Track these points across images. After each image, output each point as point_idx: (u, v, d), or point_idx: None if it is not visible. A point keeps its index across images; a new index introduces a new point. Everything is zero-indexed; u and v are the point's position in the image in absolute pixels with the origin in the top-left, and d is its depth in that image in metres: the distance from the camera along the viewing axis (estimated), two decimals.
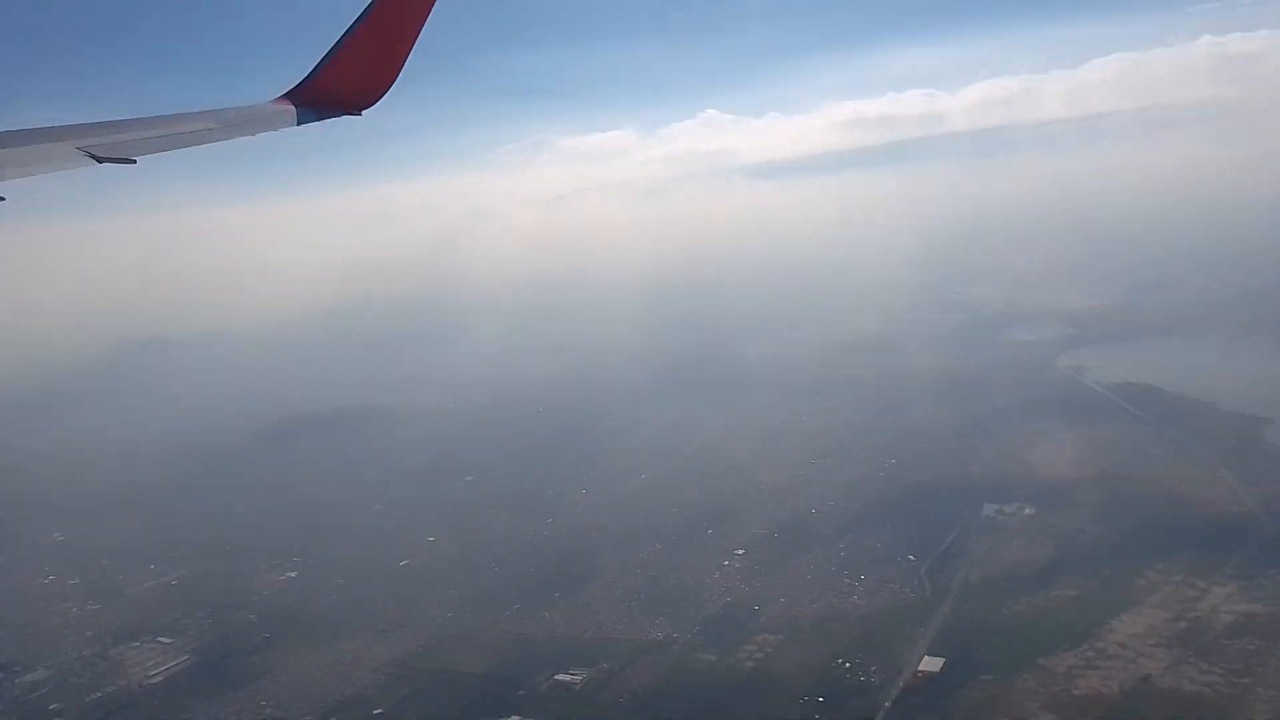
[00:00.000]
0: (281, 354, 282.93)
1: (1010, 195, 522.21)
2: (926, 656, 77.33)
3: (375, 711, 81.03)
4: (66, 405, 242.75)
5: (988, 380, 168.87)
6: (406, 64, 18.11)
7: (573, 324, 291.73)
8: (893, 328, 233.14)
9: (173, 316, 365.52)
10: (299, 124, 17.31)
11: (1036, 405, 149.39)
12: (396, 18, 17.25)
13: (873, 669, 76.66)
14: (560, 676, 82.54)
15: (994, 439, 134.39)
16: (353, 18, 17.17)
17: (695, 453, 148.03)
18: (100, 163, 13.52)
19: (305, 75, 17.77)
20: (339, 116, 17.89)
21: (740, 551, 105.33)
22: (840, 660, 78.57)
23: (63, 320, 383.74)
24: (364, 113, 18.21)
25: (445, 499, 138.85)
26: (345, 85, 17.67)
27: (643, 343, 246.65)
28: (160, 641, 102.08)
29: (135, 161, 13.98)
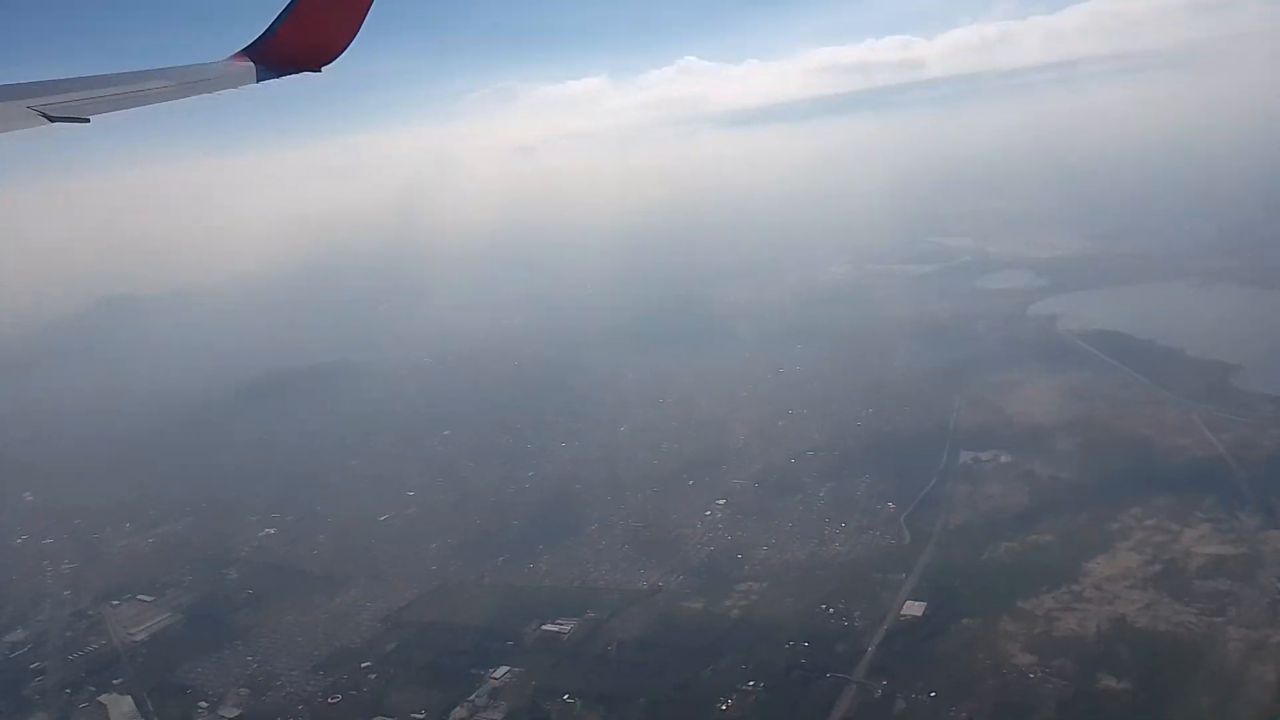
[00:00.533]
0: (254, 311, 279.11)
1: (984, 143, 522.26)
2: (908, 601, 78.61)
3: (363, 665, 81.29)
4: (36, 367, 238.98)
5: (961, 329, 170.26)
6: (369, 15, 17.60)
7: (546, 275, 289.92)
8: (866, 276, 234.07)
9: (141, 276, 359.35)
10: (258, 81, 16.95)
11: (1010, 353, 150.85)
12: None
13: (856, 614, 77.80)
14: (548, 627, 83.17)
15: (969, 387, 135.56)
16: None
17: (674, 404, 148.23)
18: (53, 122, 13.23)
19: (263, 32, 17.29)
20: (298, 73, 17.47)
21: (722, 501, 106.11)
22: (824, 606, 79.63)
23: (28, 282, 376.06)
24: (324, 69, 17.78)
25: (424, 453, 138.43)
26: (304, 42, 17.24)
27: (618, 293, 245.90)
28: (141, 600, 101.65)
29: (89, 121, 13.72)
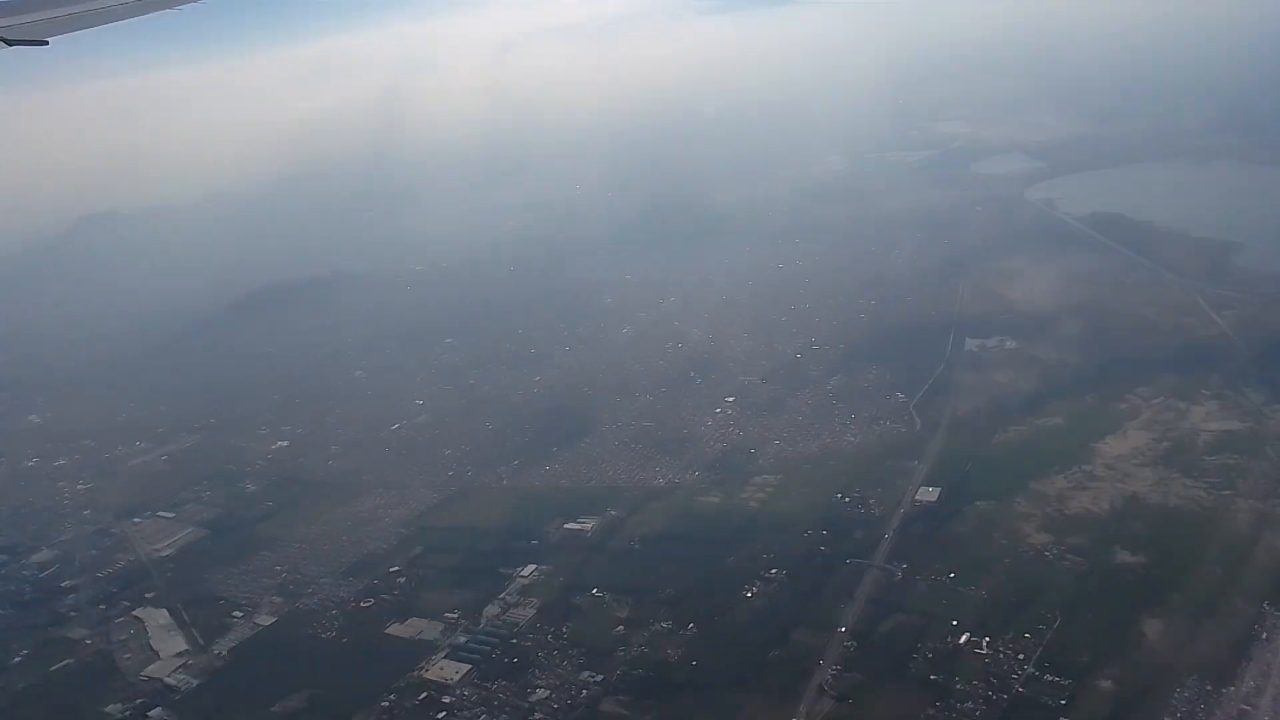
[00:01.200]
0: (239, 224, 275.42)
1: (974, 24, 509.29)
2: (923, 487, 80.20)
3: (392, 569, 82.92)
4: (23, 288, 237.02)
5: (960, 216, 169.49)
6: None
7: (535, 177, 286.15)
8: (862, 167, 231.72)
9: (120, 193, 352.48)
10: None
11: (1010, 239, 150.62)
12: None
13: (872, 502, 79.40)
14: (570, 526, 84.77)
15: (971, 275, 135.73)
16: None
17: (675, 305, 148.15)
18: (10, 45, 12.97)
19: None
20: None
21: (731, 399, 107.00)
22: (840, 495, 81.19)
23: (4, 203, 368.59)
24: None
25: (428, 362, 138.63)
26: None
27: (610, 193, 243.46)
28: (162, 516, 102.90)
29: (48, 43, 13.44)
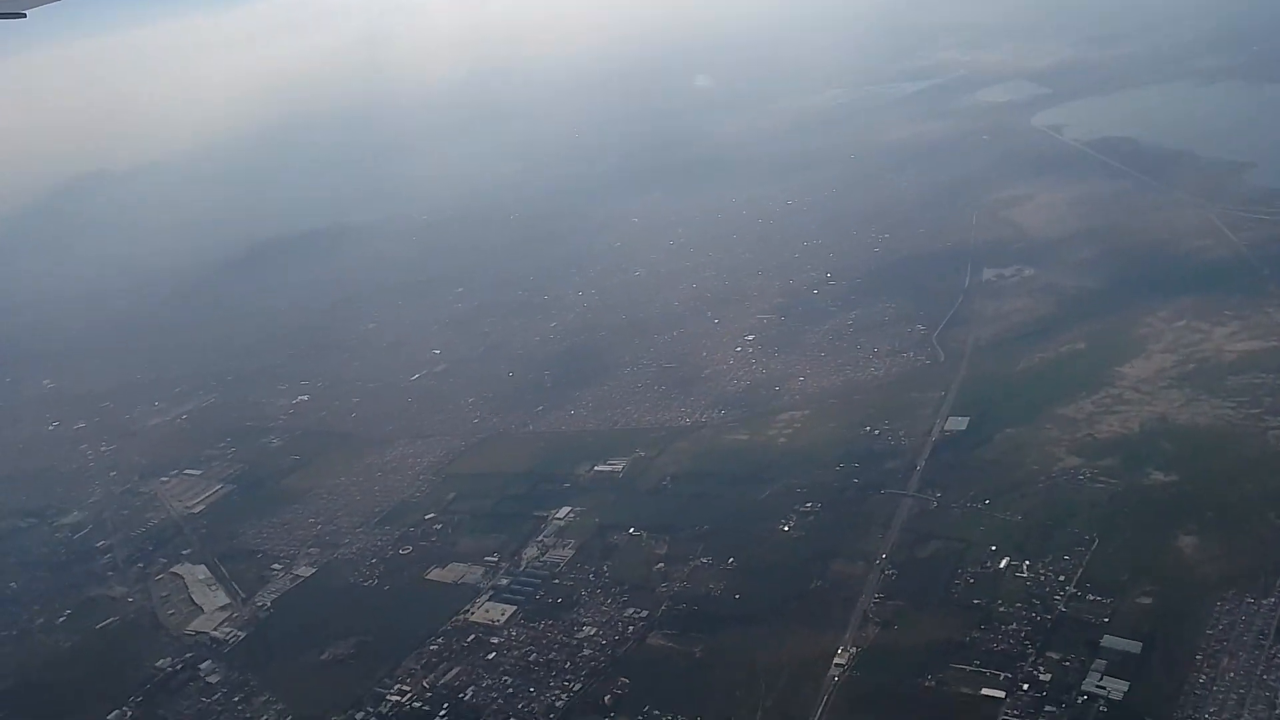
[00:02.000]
0: (231, 179, 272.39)
1: None
2: (951, 417, 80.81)
3: (427, 516, 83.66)
4: (19, 252, 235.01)
5: (966, 145, 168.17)
6: None
7: (525, 121, 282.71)
8: (861, 98, 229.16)
9: (108, 152, 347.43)
10: None
11: (1018, 166, 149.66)
12: None
13: (900, 433, 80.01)
14: (600, 467, 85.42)
15: (982, 204, 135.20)
16: None
17: (683, 244, 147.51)
18: None
19: None
20: None
21: (750, 336, 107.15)
22: (868, 428, 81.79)
23: None
24: None
25: (440, 312, 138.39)
26: None
27: (603, 134, 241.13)
28: (189, 474, 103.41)
29: (25, 15, 13.46)
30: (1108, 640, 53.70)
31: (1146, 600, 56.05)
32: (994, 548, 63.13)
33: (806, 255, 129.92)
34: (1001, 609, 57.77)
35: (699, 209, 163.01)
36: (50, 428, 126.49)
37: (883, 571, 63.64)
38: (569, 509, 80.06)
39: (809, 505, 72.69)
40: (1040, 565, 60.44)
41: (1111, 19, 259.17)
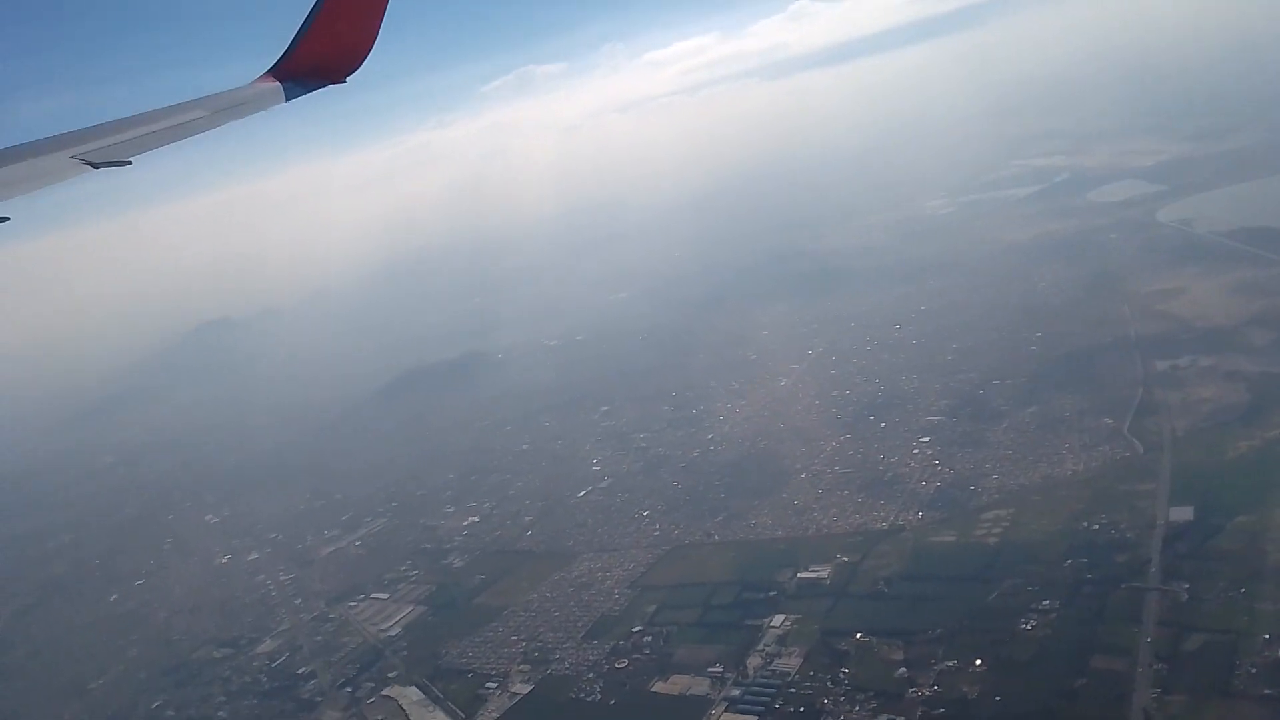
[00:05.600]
0: (353, 318, 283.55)
1: (1047, 52, 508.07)
2: (1172, 507, 78.38)
3: (634, 630, 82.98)
4: (158, 394, 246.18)
5: (1094, 243, 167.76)
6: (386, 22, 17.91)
7: (631, 248, 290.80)
8: (966, 207, 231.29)
9: (225, 300, 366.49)
10: (287, 100, 17.24)
11: (1158, 260, 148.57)
12: None
13: (1122, 526, 77.62)
14: (804, 574, 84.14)
15: (1131, 298, 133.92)
16: None
17: (823, 352, 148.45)
18: (97, 169, 13.45)
19: (284, 50, 17.64)
20: (324, 87, 17.86)
21: (925, 438, 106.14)
22: (1085, 523, 79.58)
23: (119, 316, 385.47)
24: (348, 79, 18.19)
25: (592, 429, 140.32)
26: (325, 54, 17.53)
27: (712, 255, 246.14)
28: (376, 598, 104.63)
29: (131, 163, 13.97)
30: None
31: None
32: (1267, 636, 60.33)
33: (958, 357, 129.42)
34: None
35: (829, 318, 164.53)
36: (223, 560, 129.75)
37: (1150, 666, 61.03)
38: (783, 616, 78.70)
39: (1046, 603, 70.40)
40: None
41: (1207, 116, 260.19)
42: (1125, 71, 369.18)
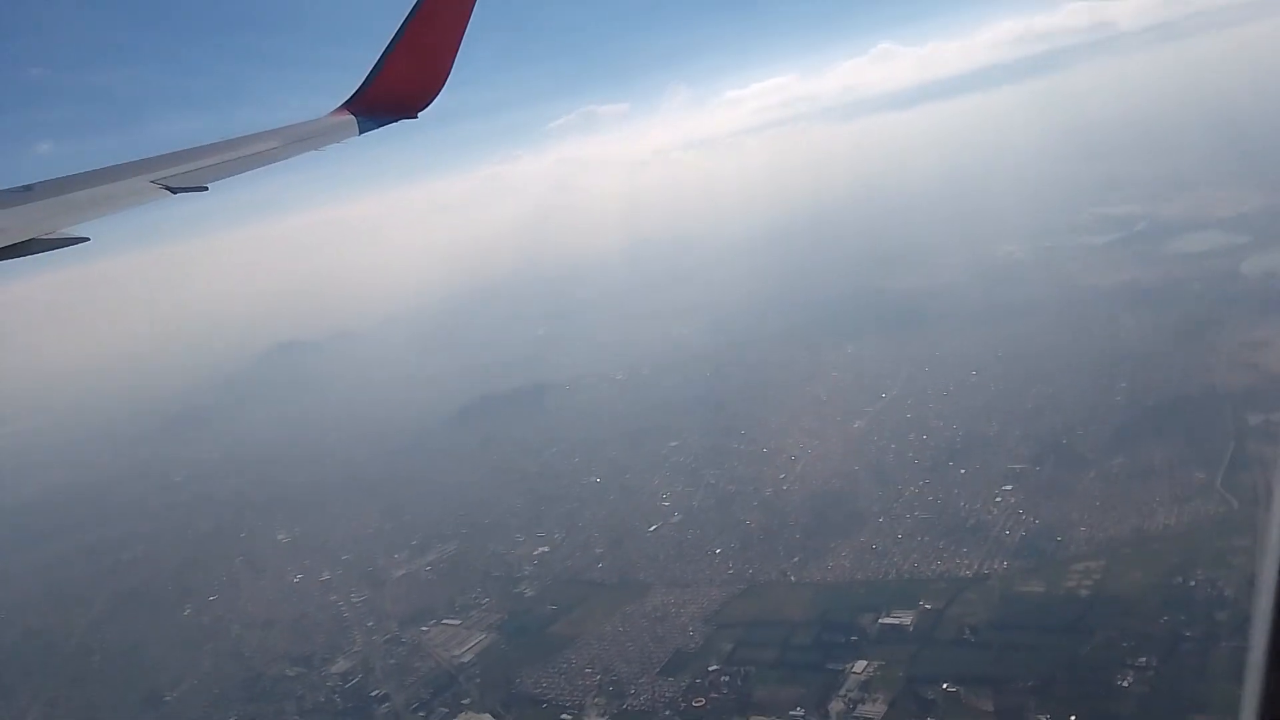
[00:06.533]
0: (422, 345, 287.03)
1: (1117, 104, 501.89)
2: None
3: (711, 668, 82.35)
4: (233, 413, 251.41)
5: (1177, 294, 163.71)
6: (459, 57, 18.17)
7: (697, 283, 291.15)
8: (1042, 252, 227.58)
9: (299, 323, 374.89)
10: (360, 133, 17.61)
11: (1245, 311, 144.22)
12: (442, 14, 17.60)
13: (1220, 583, 75.24)
14: (886, 620, 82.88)
15: (1219, 349, 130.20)
16: (399, 21, 17.51)
17: (898, 395, 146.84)
18: (175, 193, 13.85)
19: (360, 84, 18.02)
20: (397, 121, 18.27)
21: (1008, 487, 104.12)
22: (1179, 579, 77.33)
23: (196, 336, 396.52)
24: (420, 114, 18.54)
25: (661, 463, 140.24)
26: (400, 89, 17.96)
27: (781, 293, 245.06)
28: (448, 623, 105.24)
29: (207, 189, 14.36)
30: None
31: None
32: None
33: (1040, 404, 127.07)
34: None
35: (903, 359, 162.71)
36: (296, 579, 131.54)
37: None
38: (865, 662, 77.54)
39: (1143, 660, 68.45)
40: None
41: None
42: (1209, 118, 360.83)
